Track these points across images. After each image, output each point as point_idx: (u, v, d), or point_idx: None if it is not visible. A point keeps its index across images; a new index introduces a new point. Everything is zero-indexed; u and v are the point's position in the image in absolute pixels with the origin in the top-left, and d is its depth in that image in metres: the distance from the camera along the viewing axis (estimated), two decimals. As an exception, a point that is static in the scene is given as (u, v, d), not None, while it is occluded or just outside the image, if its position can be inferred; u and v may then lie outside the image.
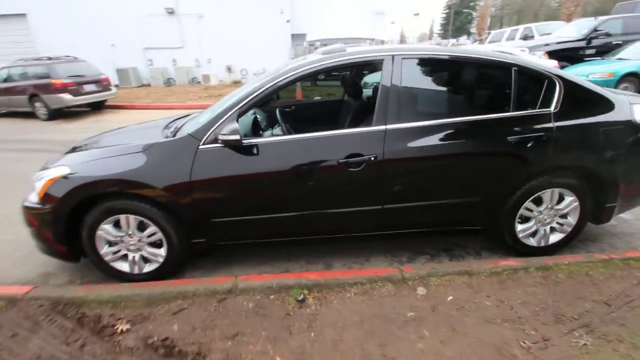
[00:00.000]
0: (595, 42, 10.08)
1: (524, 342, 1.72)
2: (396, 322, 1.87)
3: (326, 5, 17.79)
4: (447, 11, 58.24)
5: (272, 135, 2.56)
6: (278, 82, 2.13)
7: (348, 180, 2.16)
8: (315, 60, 2.20)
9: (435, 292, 2.07)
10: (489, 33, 20.31)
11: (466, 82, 2.32)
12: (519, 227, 2.44)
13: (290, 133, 2.50)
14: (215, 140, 2.07)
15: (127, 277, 2.31)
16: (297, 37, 17.24)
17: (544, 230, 2.48)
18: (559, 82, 2.27)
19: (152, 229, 2.19)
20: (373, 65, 2.28)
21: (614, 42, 9.94)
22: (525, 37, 14.13)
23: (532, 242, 2.50)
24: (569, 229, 2.49)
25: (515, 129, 2.21)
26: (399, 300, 2.02)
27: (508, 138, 2.19)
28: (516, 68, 2.23)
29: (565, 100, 2.26)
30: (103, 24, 15.09)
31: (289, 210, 2.21)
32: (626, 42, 9.38)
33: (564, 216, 2.46)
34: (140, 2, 15.11)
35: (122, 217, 2.17)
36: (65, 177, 2.12)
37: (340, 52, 2.25)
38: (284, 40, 16.23)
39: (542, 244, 2.51)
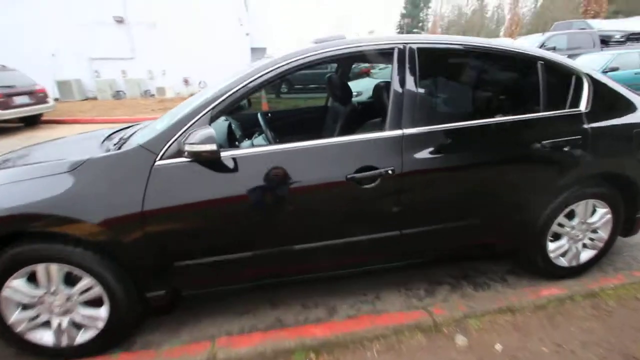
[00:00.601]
0: (545, 56, 10.70)
1: (612, 407, 1.31)
2: (441, 392, 1.38)
3: (285, 20, 17.59)
4: (399, 30, 61.19)
5: (253, 146, 2.02)
6: (263, 74, 1.60)
7: (358, 201, 1.67)
8: (309, 49, 1.71)
9: (478, 340, 1.62)
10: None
11: (491, 77, 1.96)
12: (551, 246, 2.09)
13: (276, 143, 1.97)
14: (179, 153, 1.49)
15: (51, 353, 1.61)
16: (256, 51, 16.76)
17: (576, 247, 2.15)
18: (587, 79, 1.98)
19: (86, 281, 1.54)
20: (379, 57, 1.83)
21: (561, 56, 10.61)
22: (479, 52, 14.81)
23: (564, 262, 2.16)
24: (601, 245, 2.18)
25: (550, 131, 1.87)
26: (436, 356, 1.53)
27: (543, 142, 1.83)
28: (542, 62, 1.90)
29: (595, 100, 1.97)
30: (41, 31, 13.61)
31: (282, 244, 1.67)
32: (572, 56, 10.04)
33: (594, 231, 2.15)
34: (84, 9, 13.86)
35: (40, 268, 1.49)
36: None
37: (339, 40, 1.79)
38: (244, 53, 15.67)
39: (574, 263, 2.18)
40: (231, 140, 2.15)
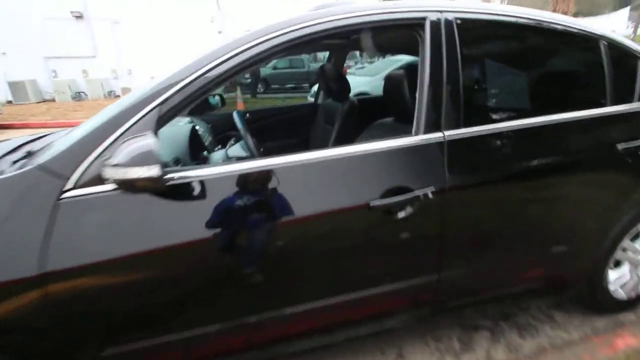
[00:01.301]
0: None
1: None
2: None
3: (258, 19, 17.00)
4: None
5: (228, 159, 1.44)
6: (242, 52, 1.04)
7: (384, 237, 1.16)
8: (306, 17, 1.17)
9: None
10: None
11: (551, 61, 1.49)
12: (611, 275, 1.67)
13: (262, 153, 1.41)
14: (100, 180, 0.92)
15: None
16: (231, 49, 16.01)
17: (637, 275, 1.74)
18: (651, 64, 1.57)
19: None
20: (402, 30, 1.34)
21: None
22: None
23: (622, 293, 1.73)
24: (661, 269, 1.79)
25: (624, 131, 1.43)
26: None
27: (618, 146, 1.39)
28: (605, 42, 1.46)
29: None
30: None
31: (276, 305, 1.13)
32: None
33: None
34: (39, 3, 12.65)
35: None
36: None
37: (348, 4, 1.26)
38: (217, 51, 14.89)
39: (633, 294, 1.76)
40: (197, 149, 1.59)
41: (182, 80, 0.98)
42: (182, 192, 0.96)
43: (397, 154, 1.17)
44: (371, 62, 9.49)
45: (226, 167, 1.01)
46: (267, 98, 11.25)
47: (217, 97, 2.48)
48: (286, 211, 1.03)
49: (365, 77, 7.33)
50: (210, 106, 2.50)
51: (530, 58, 1.46)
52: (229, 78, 1.04)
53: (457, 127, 1.20)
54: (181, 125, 1.63)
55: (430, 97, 1.19)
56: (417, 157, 1.18)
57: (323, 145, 2.26)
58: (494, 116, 1.26)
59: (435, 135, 1.18)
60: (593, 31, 1.46)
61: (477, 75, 1.29)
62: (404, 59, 7.04)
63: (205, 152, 1.60)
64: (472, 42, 1.28)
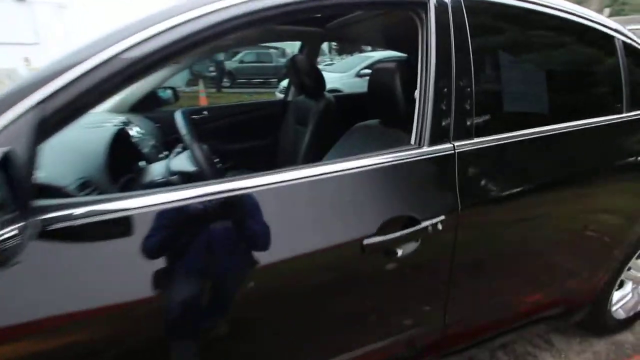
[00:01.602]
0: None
1: None
2: None
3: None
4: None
5: (170, 173, 1.07)
6: (188, 21, 0.69)
7: (379, 283, 0.89)
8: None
9: None
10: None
11: (567, 59, 1.27)
12: (615, 295, 1.54)
13: (215, 170, 1.05)
14: None
15: None
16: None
17: (638, 294, 1.62)
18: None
19: None
20: (397, 12, 1.07)
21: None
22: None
23: (622, 313, 1.62)
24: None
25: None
26: None
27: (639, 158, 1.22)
28: (620, 38, 1.28)
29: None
30: None
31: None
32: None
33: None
34: (-32, -19, 11.21)
35: None
36: None
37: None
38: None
39: (632, 313, 1.65)
40: (129, 161, 1.21)
41: (81, 64, 0.63)
42: (65, 241, 0.61)
43: (395, 172, 0.89)
44: (342, 58, 9.25)
45: (152, 197, 0.67)
46: (233, 93, 10.69)
47: (168, 91, 2.08)
48: (241, 259, 0.73)
49: (336, 73, 7.07)
50: (160, 101, 2.09)
51: (554, 54, 1.23)
52: (159, 62, 0.70)
53: (469, 136, 0.94)
54: (107, 129, 1.24)
55: (437, 98, 0.93)
56: (421, 175, 0.91)
57: (294, 149, 1.97)
58: (512, 122, 1.02)
59: (443, 147, 0.91)
60: (607, 24, 1.27)
61: (491, 72, 1.04)
62: (375, 55, 6.85)
63: (143, 163, 1.23)
64: (485, 30, 1.02)
